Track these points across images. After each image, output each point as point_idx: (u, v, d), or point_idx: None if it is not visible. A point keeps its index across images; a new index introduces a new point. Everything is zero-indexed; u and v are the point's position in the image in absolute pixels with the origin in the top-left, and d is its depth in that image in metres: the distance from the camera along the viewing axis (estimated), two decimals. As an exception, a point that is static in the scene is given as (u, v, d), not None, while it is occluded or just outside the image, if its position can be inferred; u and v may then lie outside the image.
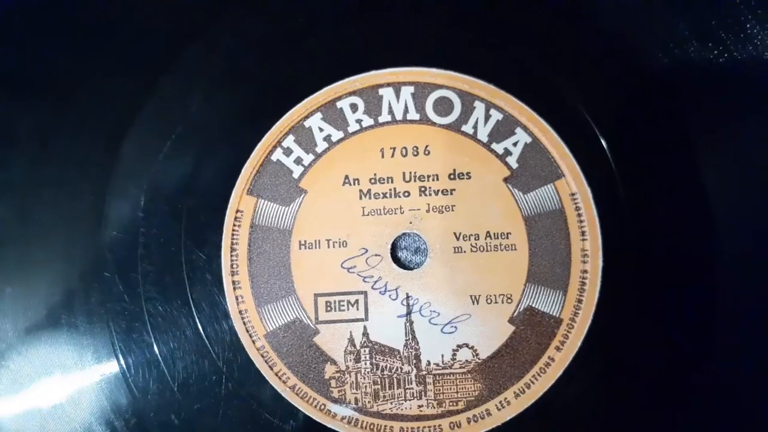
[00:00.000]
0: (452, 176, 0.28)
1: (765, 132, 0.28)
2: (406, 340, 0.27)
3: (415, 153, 0.28)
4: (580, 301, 0.27)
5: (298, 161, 0.28)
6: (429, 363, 0.27)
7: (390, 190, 0.28)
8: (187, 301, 0.27)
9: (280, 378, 0.27)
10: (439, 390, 0.27)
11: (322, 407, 0.27)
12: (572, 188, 0.27)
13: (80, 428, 0.27)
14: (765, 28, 0.27)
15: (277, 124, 0.28)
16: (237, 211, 0.28)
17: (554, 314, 0.27)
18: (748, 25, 0.27)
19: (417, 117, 0.28)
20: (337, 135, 0.28)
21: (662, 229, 0.27)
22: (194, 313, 0.27)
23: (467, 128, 0.28)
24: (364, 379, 0.27)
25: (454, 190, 0.28)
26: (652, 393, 0.27)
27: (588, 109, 0.28)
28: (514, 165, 0.28)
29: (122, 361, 0.27)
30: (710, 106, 0.28)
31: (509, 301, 0.27)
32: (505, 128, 0.28)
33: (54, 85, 0.29)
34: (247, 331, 0.27)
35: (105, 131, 0.28)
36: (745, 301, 0.27)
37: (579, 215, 0.27)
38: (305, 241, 0.27)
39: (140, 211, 0.27)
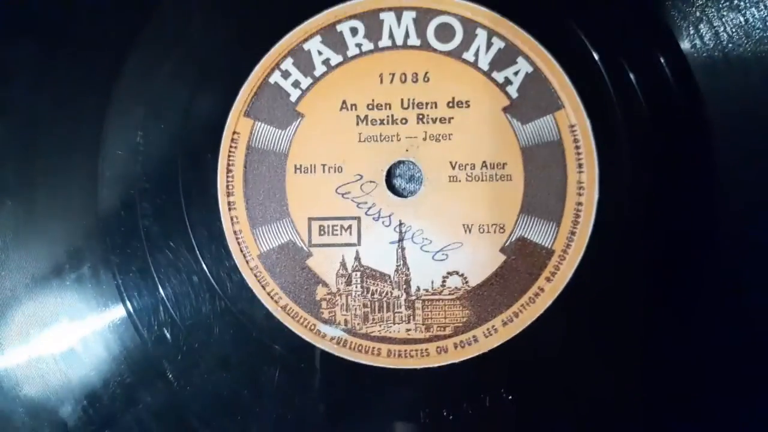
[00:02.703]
0: (451, 104, 0.29)
1: None
2: (397, 265, 0.29)
3: (414, 80, 0.29)
4: (573, 233, 0.28)
5: (296, 84, 0.29)
6: (419, 288, 0.29)
7: (387, 116, 0.29)
8: (183, 219, 0.29)
9: (272, 298, 0.29)
10: (428, 315, 0.29)
11: (312, 327, 0.29)
12: (572, 120, 0.29)
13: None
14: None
15: (276, 46, 0.29)
16: (234, 132, 0.29)
17: (546, 245, 0.28)
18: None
19: (418, 43, 0.29)
20: (336, 59, 0.29)
21: (660, 165, 0.28)
22: (189, 232, 0.29)
23: (468, 56, 0.29)
24: (355, 301, 0.29)
25: (453, 118, 0.29)
26: (641, 328, 0.28)
27: (591, 41, 0.29)
28: (514, 95, 0.29)
29: (118, 276, 0.29)
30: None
31: (502, 231, 0.29)
32: (506, 57, 0.29)
33: (55, 11, 0.30)
34: (241, 251, 0.29)
35: (105, 56, 0.29)
36: (740, 237, 0.28)
37: (577, 147, 0.28)
38: (301, 165, 0.29)
39: (139, 130, 0.29)
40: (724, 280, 0.28)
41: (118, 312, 0.29)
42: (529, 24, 0.29)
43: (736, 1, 0.29)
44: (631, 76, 0.28)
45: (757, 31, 0.29)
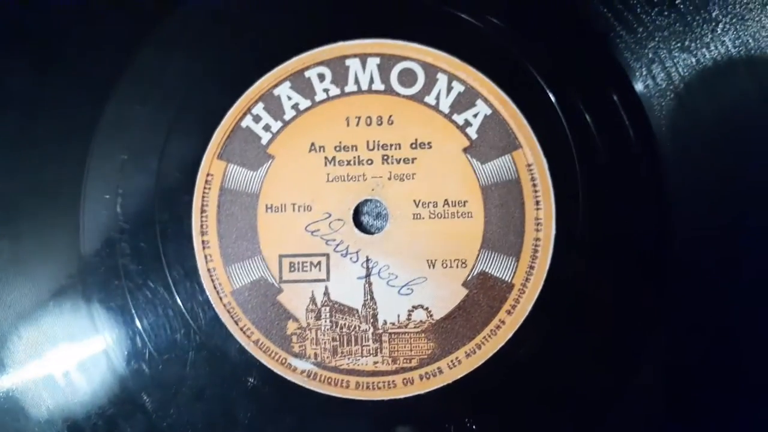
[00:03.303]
0: (414, 145, 0.31)
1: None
2: (364, 300, 0.30)
3: (379, 122, 0.31)
4: (532, 267, 0.30)
5: (267, 128, 0.31)
6: (385, 322, 0.30)
7: (354, 157, 0.31)
8: (159, 258, 0.30)
9: (244, 333, 0.30)
10: (394, 348, 0.30)
11: (283, 361, 0.30)
12: (529, 159, 0.30)
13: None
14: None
15: (248, 92, 0.31)
16: (208, 174, 0.31)
17: (506, 279, 0.30)
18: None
19: (382, 87, 0.31)
20: (304, 103, 0.31)
21: (615, 200, 0.30)
22: (165, 270, 0.30)
23: (430, 99, 0.31)
24: (324, 335, 0.30)
25: (416, 158, 0.31)
26: (599, 358, 0.30)
27: (547, 83, 0.31)
28: (474, 136, 0.31)
29: (99, 312, 0.30)
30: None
31: (464, 265, 0.30)
32: (466, 100, 0.31)
33: (43, 50, 0.32)
34: (215, 288, 0.30)
35: (87, 99, 0.31)
36: (693, 268, 0.30)
37: (534, 185, 0.30)
38: (272, 205, 0.31)
39: (119, 173, 0.31)
40: (681, 306, 0.30)
41: (98, 345, 0.30)
42: (487, 68, 0.31)
43: (687, 42, 0.30)
44: (587, 116, 0.30)
45: (708, 70, 0.30)
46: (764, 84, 0.30)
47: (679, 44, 0.31)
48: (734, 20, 0.30)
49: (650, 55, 0.30)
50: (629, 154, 0.30)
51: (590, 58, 0.31)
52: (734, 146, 0.30)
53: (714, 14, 0.30)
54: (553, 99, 0.30)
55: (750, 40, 0.30)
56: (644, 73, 0.30)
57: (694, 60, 0.30)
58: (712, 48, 0.30)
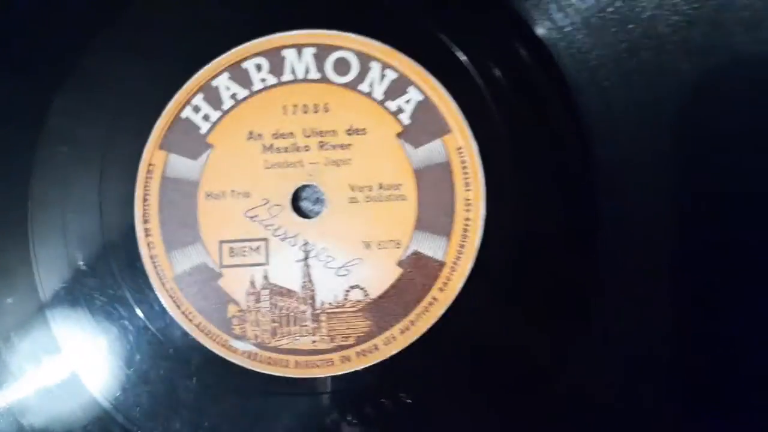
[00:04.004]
0: (349, 132, 0.32)
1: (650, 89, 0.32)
2: (303, 282, 0.32)
3: (315, 110, 0.32)
4: (462, 246, 0.32)
5: (206, 118, 0.32)
6: (323, 303, 0.32)
7: (291, 144, 0.32)
8: (102, 246, 0.32)
9: (186, 316, 0.32)
10: (332, 327, 0.32)
11: (225, 343, 0.32)
12: (459, 143, 0.32)
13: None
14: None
15: (187, 83, 0.33)
16: (149, 164, 0.32)
17: (438, 258, 0.32)
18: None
19: (318, 76, 0.33)
20: (242, 93, 0.33)
21: (542, 181, 0.32)
22: (110, 258, 0.32)
23: (364, 87, 0.33)
24: (264, 317, 0.32)
25: (351, 144, 0.32)
26: (527, 332, 0.31)
27: (476, 69, 0.32)
28: (407, 121, 0.32)
29: (44, 294, 0.32)
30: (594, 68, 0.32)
31: (398, 246, 0.32)
32: (398, 87, 0.32)
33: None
34: (157, 273, 0.32)
35: (33, 96, 0.33)
36: (624, 239, 0.32)
37: (464, 168, 0.32)
38: (212, 192, 0.32)
39: (65, 166, 0.32)
40: (608, 280, 0.31)
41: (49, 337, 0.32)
42: (418, 56, 0.32)
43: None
44: (515, 100, 0.32)
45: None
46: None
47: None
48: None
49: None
50: (555, 135, 0.31)
51: (517, 44, 0.32)
52: (661, 111, 0.31)
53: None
54: (481, 85, 0.32)
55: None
56: (568, 51, 0.32)
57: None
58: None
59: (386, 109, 0.32)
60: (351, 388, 0.31)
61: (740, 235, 0.31)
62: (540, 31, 0.31)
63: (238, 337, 0.31)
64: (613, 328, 0.31)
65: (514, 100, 0.32)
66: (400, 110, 0.32)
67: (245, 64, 0.32)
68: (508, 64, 0.32)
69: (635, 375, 0.31)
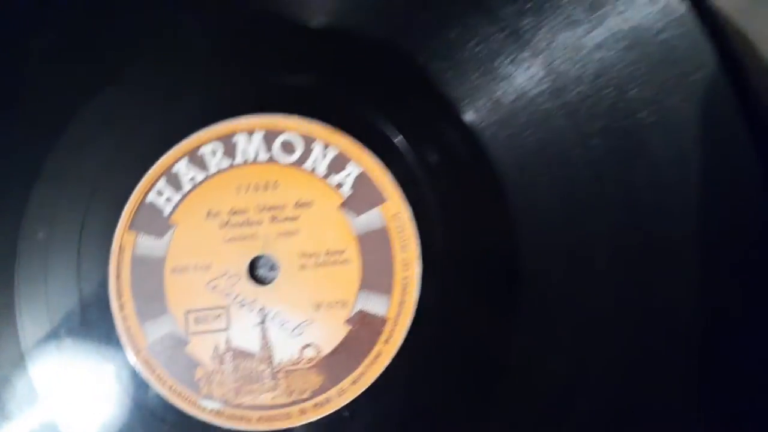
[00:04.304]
0: (297, 205, 0.37)
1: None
2: (261, 343, 0.36)
3: (266, 188, 0.37)
4: (402, 302, 0.36)
5: (169, 200, 0.37)
6: (280, 361, 0.36)
7: (245, 220, 0.37)
8: (81, 319, 0.36)
9: (160, 380, 0.36)
10: (289, 383, 0.36)
11: (194, 402, 0.36)
12: (394, 210, 0.36)
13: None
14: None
15: (150, 170, 0.37)
16: (120, 245, 0.37)
17: (381, 314, 0.36)
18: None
19: (266, 157, 0.37)
20: (200, 176, 0.37)
21: (469, 241, 0.36)
22: (89, 330, 0.36)
23: (308, 165, 0.37)
24: (228, 378, 0.36)
25: (299, 216, 0.37)
26: (465, 375, 0.35)
27: (407, 146, 0.36)
28: (347, 193, 0.37)
29: (30, 369, 0.36)
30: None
31: (345, 306, 0.36)
32: (339, 163, 0.37)
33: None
34: (132, 342, 0.36)
35: (13, 188, 0.37)
36: (551, 290, 0.35)
37: (400, 232, 0.36)
38: (176, 267, 0.36)
39: (45, 243, 0.36)
40: (538, 323, 0.35)
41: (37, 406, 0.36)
42: (356, 135, 0.37)
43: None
44: (440, 170, 0.36)
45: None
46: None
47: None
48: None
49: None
50: (477, 197, 0.36)
51: (443, 125, 0.37)
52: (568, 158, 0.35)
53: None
54: (411, 158, 0.36)
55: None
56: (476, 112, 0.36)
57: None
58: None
59: (329, 183, 0.36)
60: (309, 437, 0.35)
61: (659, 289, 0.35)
62: (466, 118, 0.36)
63: (206, 397, 0.35)
64: (546, 354, 0.35)
65: (440, 170, 0.36)
66: (341, 184, 0.36)
67: (201, 150, 0.37)
68: (435, 142, 0.36)
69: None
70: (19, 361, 0.36)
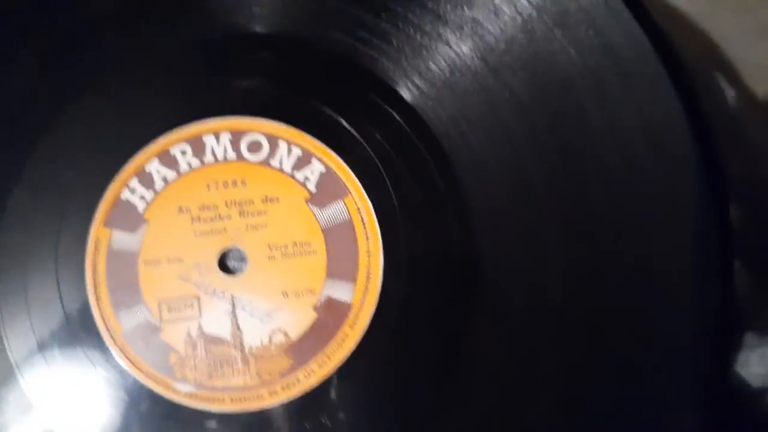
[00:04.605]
0: (264, 201, 0.39)
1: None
2: (232, 330, 0.38)
3: (234, 184, 0.39)
4: (366, 289, 0.38)
5: (142, 198, 0.39)
6: (251, 347, 0.38)
7: (215, 215, 0.39)
8: (61, 312, 0.38)
9: (135, 366, 0.38)
10: (259, 367, 0.38)
11: (169, 386, 0.38)
12: (357, 203, 0.39)
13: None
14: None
15: (124, 169, 0.39)
16: (96, 240, 0.39)
17: (347, 301, 0.38)
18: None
19: (234, 156, 0.40)
20: (171, 175, 0.39)
21: (428, 230, 0.39)
22: (68, 321, 0.38)
23: (274, 162, 0.40)
24: (200, 362, 0.38)
25: (266, 211, 0.39)
26: (427, 356, 0.38)
27: (367, 143, 0.39)
28: (313, 188, 0.39)
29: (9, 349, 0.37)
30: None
31: (312, 293, 0.38)
32: (304, 160, 0.39)
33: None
34: (108, 331, 0.38)
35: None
36: (500, 267, 0.38)
37: (363, 223, 0.39)
38: (149, 260, 0.38)
39: (24, 242, 0.38)
40: (497, 304, 0.38)
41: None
42: (319, 134, 0.40)
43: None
44: (398, 162, 0.39)
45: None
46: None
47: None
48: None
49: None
50: (434, 188, 0.39)
51: (396, 115, 0.39)
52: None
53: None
54: (371, 153, 0.39)
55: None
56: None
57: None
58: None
59: (295, 179, 0.39)
60: (279, 417, 0.37)
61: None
62: (407, 96, 0.39)
63: (180, 381, 0.37)
64: (507, 344, 0.37)
65: (398, 162, 0.39)
66: (307, 179, 0.39)
67: (172, 150, 0.39)
68: (390, 133, 0.39)
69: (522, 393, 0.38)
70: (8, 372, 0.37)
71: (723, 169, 0.36)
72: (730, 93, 0.43)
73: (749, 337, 0.40)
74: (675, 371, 0.37)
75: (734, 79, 0.45)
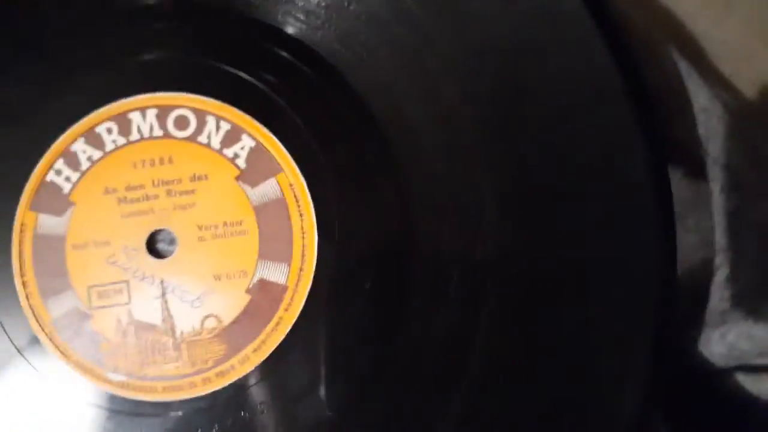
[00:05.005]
0: (193, 179, 0.37)
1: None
2: (163, 316, 0.37)
3: (161, 163, 0.38)
4: (301, 269, 0.37)
5: (68, 179, 0.37)
6: (182, 332, 0.37)
7: (142, 195, 0.37)
8: (-14, 300, 0.37)
9: (64, 355, 0.37)
10: (192, 353, 0.37)
11: (100, 375, 0.37)
12: (290, 180, 0.37)
13: None
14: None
15: (49, 150, 0.38)
16: (21, 224, 0.37)
17: (281, 282, 0.37)
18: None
19: (161, 133, 0.38)
20: (97, 154, 0.38)
21: (362, 204, 0.37)
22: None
23: (202, 139, 0.38)
24: (131, 350, 0.37)
25: (195, 190, 0.37)
26: (364, 339, 0.37)
27: (299, 118, 0.37)
28: (243, 165, 0.37)
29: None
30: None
31: (245, 275, 0.37)
32: (233, 136, 0.38)
33: None
34: (36, 319, 0.37)
35: None
36: (444, 247, 0.37)
37: (297, 201, 0.37)
38: (77, 244, 0.37)
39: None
40: (432, 281, 0.36)
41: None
42: (247, 108, 0.38)
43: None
44: (330, 137, 0.37)
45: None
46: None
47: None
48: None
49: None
50: (365, 163, 0.37)
51: (334, 97, 0.37)
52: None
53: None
54: (305, 130, 0.37)
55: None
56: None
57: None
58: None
59: (224, 156, 0.37)
60: (214, 405, 0.36)
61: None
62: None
63: (111, 370, 0.36)
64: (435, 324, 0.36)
65: (330, 137, 0.37)
66: (236, 156, 0.37)
67: (98, 129, 0.37)
68: (319, 107, 0.37)
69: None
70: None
71: (661, 134, 0.34)
72: (682, 65, 0.41)
73: (710, 315, 0.38)
74: (619, 342, 0.35)
75: (696, 54, 0.43)
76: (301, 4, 0.38)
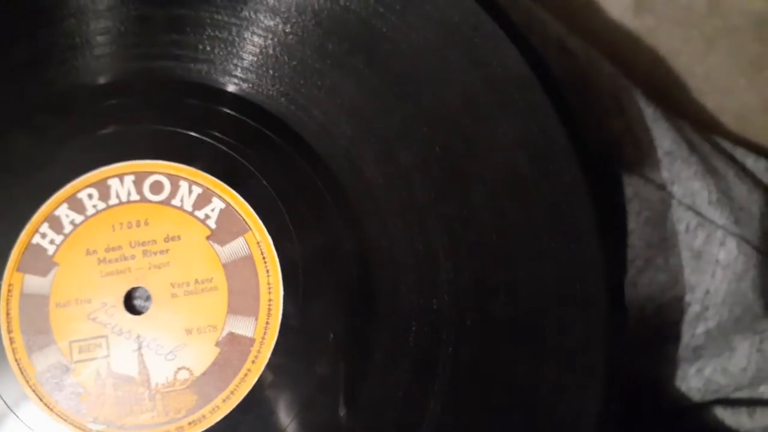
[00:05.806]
0: (167, 239, 0.41)
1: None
2: (139, 368, 0.40)
3: (138, 225, 0.41)
4: (267, 323, 0.40)
5: (52, 242, 0.41)
6: (157, 384, 0.40)
7: (120, 255, 0.41)
8: (-25, 356, 0.40)
9: (48, 407, 0.40)
10: (166, 403, 0.40)
11: (81, 426, 0.40)
12: (258, 238, 0.40)
13: None
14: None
15: (35, 215, 0.41)
16: (9, 284, 0.41)
17: (249, 335, 0.40)
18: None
19: (138, 198, 0.41)
20: (79, 218, 0.41)
21: (326, 264, 0.40)
22: (-18, 365, 0.40)
23: (176, 202, 0.41)
24: (110, 401, 0.40)
25: (169, 250, 0.41)
26: (325, 385, 0.39)
27: (266, 181, 0.41)
28: (213, 226, 0.41)
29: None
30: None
31: (215, 330, 0.40)
32: (204, 199, 0.41)
33: None
34: (22, 373, 0.40)
35: None
36: (405, 314, 0.39)
37: (264, 258, 0.40)
38: (60, 302, 0.40)
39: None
40: (408, 339, 0.39)
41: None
42: (216, 173, 0.41)
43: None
44: (296, 202, 0.40)
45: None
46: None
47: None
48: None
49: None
50: (332, 220, 0.40)
51: (291, 160, 0.41)
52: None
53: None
54: (269, 188, 0.40)
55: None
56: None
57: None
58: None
59: (196, 217, 0.40)
60: (185, 453, 0.39)
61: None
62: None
63: (92, 420, 0.39)
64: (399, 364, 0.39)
65: (295, 198, 0.40)
66: (207, 217, 0.40)
67: (79, 195, 0.41)
68: (284, 171, 0.40)
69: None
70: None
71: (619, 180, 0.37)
72: (648, 111, 0.43)
73: (685, 351, 0.40)
74: (570, 387, 0.38)
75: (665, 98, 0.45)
76: (271, 75, 0.41)
